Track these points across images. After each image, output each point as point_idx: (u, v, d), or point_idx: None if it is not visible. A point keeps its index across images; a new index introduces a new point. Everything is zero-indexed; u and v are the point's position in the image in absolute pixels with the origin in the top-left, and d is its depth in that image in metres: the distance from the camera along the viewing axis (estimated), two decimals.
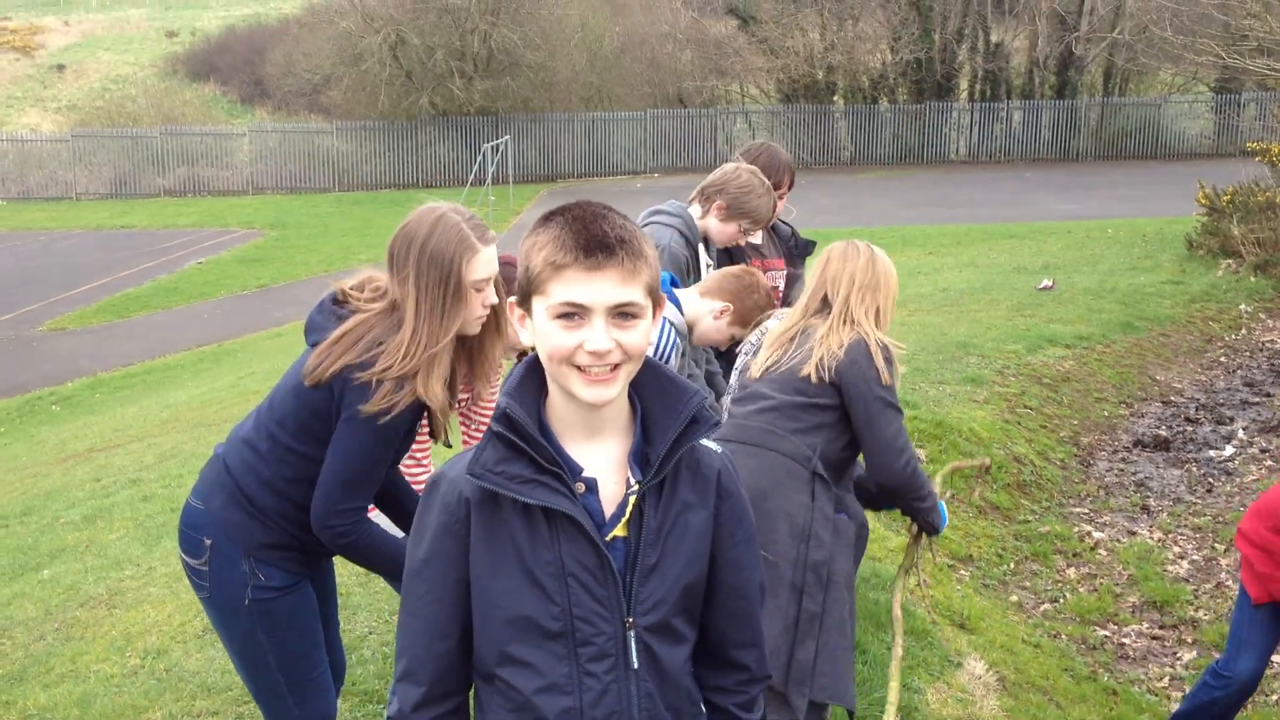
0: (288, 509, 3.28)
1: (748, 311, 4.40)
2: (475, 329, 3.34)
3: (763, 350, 4.03)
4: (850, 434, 3.88)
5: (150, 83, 55.54)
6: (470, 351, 3.46)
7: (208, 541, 3.29)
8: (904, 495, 3.97)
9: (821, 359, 3.82)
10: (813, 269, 4.13)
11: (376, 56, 39.82)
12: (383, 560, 3.29)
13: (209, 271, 25.38)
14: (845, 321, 3.90)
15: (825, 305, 3.99)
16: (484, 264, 3.25)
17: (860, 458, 4.00)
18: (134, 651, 5.49)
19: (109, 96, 53.82)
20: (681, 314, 4.32)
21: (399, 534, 3.44)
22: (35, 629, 6.06)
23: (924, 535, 4.36)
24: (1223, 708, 4.86)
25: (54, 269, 26.03)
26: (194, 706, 4.83)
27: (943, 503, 4.23)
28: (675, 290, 4.38)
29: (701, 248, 4.98)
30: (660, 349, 4.12)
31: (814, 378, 3.82)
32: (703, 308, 4.41)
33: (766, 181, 4.85)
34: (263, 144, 42.20)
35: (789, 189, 5.13)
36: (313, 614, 3.44)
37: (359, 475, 3.18)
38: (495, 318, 3.41)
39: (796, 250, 5.60)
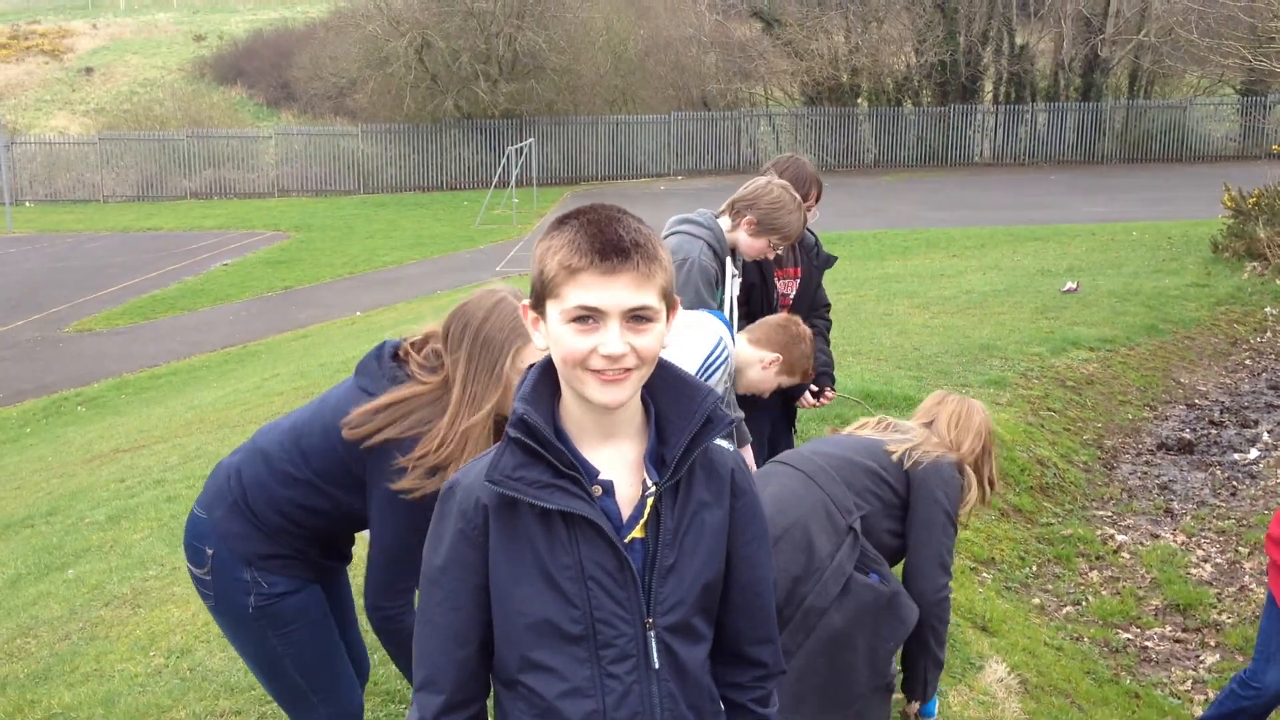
0: (291, 529, 3.30)
1: (795, 361, 4.49)
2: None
3: (859, 427, 4.14)
4: (903, 525, 3.90)
5: (177, 86, 55.84)
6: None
7: (209, 551, 3.31)
8: (926, 619, 3.86)
9: (914, 448, 3.89)
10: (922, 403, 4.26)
11: (402, 60, 39.98)
12: (407, 656, 3.23)
13: (234, 273, 25.49)
14: (946, 444, 3.97)
15: (927, 426, 4.10)
16: (536, 355, 3.18)
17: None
18: (158, 651, 5.52)
19: (136, 100, 54.13)
20: (733, 335, 4.33)
21: None
22: (60, 628, 6.10)
23: (911, 713, 4.21)
24: (1250, 717, 4.83)
25: (81, 271, 26.18)
26: (217, 706, 4.86)
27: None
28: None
29: (729, 259, 4.97)
30: (709, 361, 4.12)
31: (896, 458, 3.88)
32: (752, 356, 4.47)
33: (797, 196, 4.83)
34: (288, 147, 42.40)
35: (816, 201, 5.12)
36: (323, 612, 3.43)
37: (405, 551, 3.15)
38: None
39: (818, 263, 5.59)
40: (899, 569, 4.05)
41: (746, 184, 4.85)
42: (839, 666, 3.71)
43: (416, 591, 3.19)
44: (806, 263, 5.47)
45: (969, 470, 3.97)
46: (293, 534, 3.29)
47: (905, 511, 3.87)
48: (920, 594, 3.80)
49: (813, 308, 5.60)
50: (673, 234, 4.69)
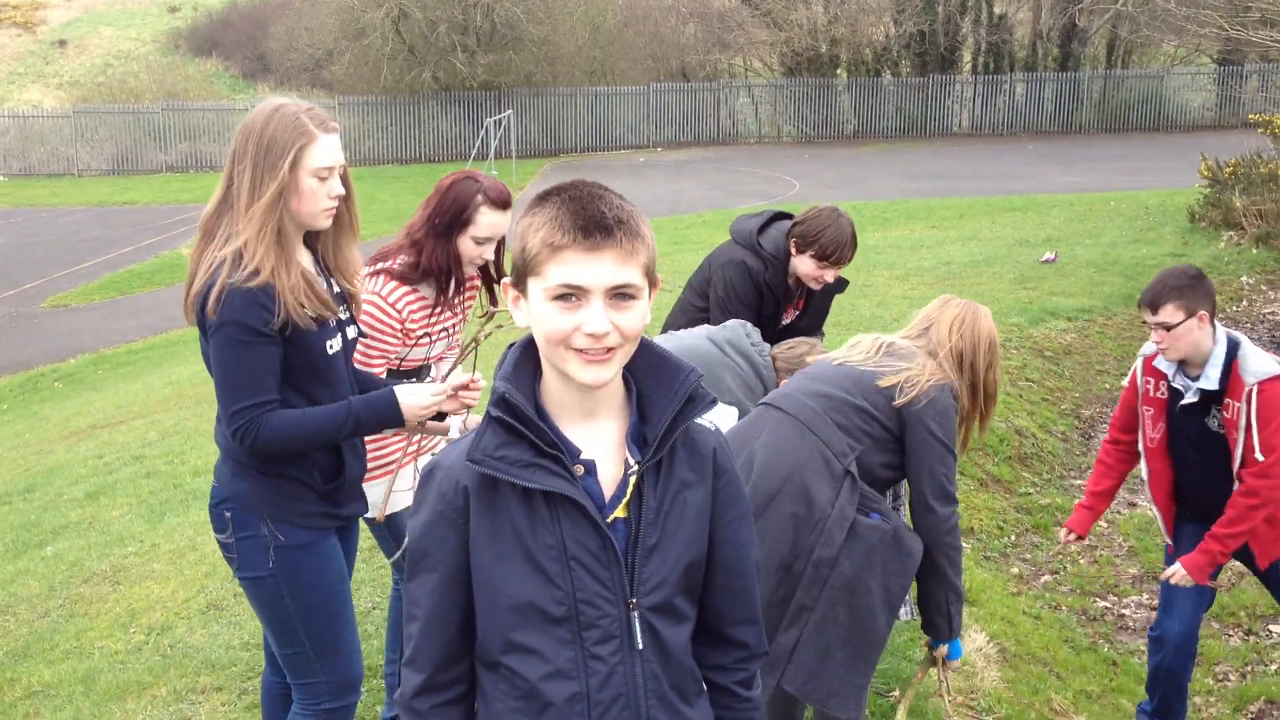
0: (283, 466, 3.32)
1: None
2: (323, 221, 3.33)
3: (851, 348, 4.03)
4: (897, 457, 3.84)
5: (152, 58, 55.37)
6: (324, 249, 3.46)
7: (228, 514, 3.35)
8: (937, 552, 3.79)
9: (907, 380, 3.80)
10: (925, 307, 4.18)
11: (379, 31, 39.68)
12: (308, 437, 3.27)
13: None
14: (942, 363, 3.89)
15: (924, 335, 4.00)
16: (323, 151, 3.25)
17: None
18: (138, 628, 5.52)
19: (111, 72, 53.66)
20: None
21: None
22: (39, 606, 6.09)
23: (939, 658, 4.12)
24: (1171, 671, 4.87)
25: (56, 245, 26.00)
26: (198, 682, 4.86)
27: (958, 640, 4.09)
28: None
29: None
30: None
31: (887, 392, 3.79)
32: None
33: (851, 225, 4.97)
34: None
35: (849, 262, 5.11)
36: (338, 576, 3.47)
37: (235, 375, 3.19)
38: (347, 211, 3.41)
39: (831, 288, 5.57)
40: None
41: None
42: (859, 613, 3.70)
43: (267, 406, 3.21)
44: (809, 293, 5.41)
45: (964, 387, 3.89)
46: (288, 460, 3.31)
47: (899, 444, 3.80)
48: (929, 527, 3.75)
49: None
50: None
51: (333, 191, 3.30)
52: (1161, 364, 4.68)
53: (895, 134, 41.38)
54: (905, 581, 3.79)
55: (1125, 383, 4.97)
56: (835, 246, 4.86)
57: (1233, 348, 4.52)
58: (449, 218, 4.00)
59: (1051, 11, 41.59)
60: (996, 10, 42.42)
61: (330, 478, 3.41)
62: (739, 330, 4.63)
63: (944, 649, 4.05)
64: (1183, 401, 4.60)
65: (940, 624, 3.95)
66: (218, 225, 3.28)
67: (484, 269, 4.25)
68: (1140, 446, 4.89)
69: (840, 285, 5.28)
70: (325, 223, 3.34)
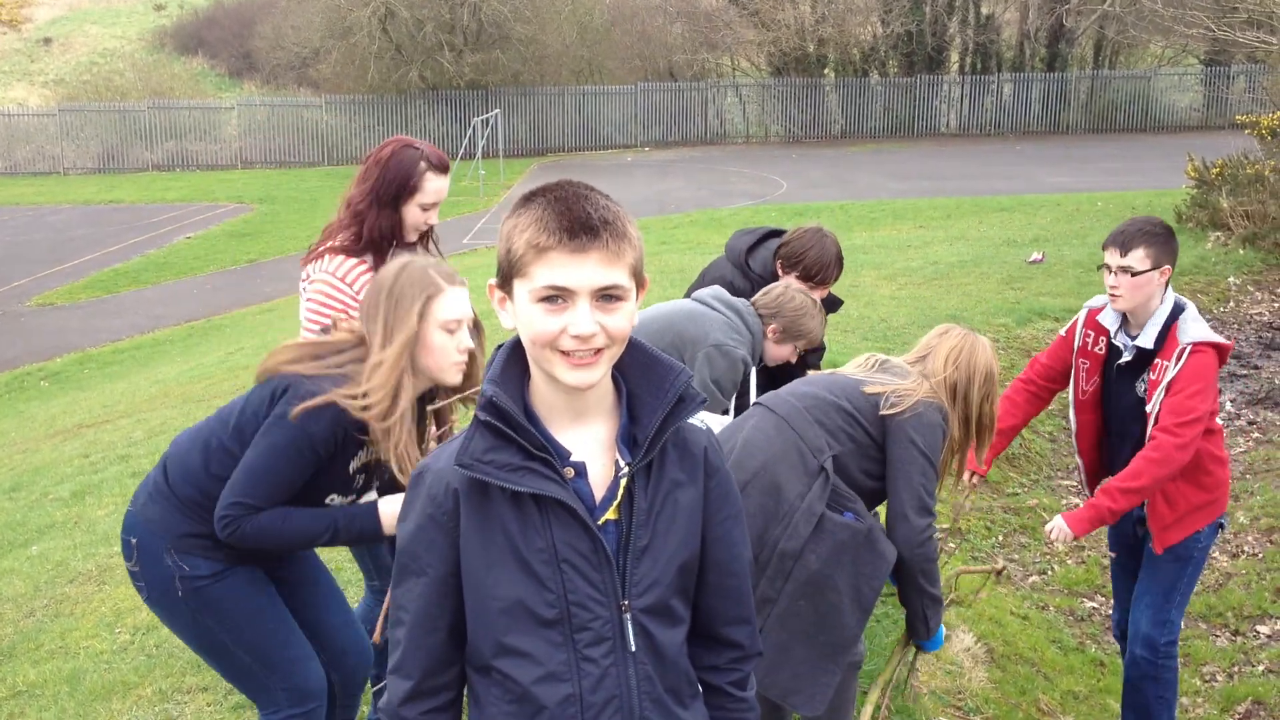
0: (206, 502, 3.28)
1: (790, 328, 4.76)
2: (453, 377, 3.31)
3: (849, 365, 4.05)
4: (879, 466, 3.81)
5: (138, 56, 55.20)
6: (437, 409, 3.47)
7: (134, 541, 3.32)
8: (912, 564, 3.78)
9: (894, 391, 3.79)
10: (925, 336, 4.13)
11: (365, 30, 39.61)
12: (284, 542, 3.25)
13: (198, 246, 25.28)
14: (935, 390, 3.86)
15: (920, 362, 3.98)
16: (451, 304, 3.25)
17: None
18: (124, 628, 5.49)
19: (96, 70, 53.48)
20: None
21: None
22: (24, 605, 6.05)
23: (912, 645, 4.17)
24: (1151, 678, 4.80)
25: (42, 244, 25.90)
26: (184, 683, 4.84)
27: (943, 626, 4.10)
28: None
29: None
30: None
31: (872, 399, 3.78)
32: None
33: (818, 301, 4.88)
34: (251, 118, 42.01)
35: (835, 281, 5.10)
36: (256, 593, 3.41)
37: (264, 472, 3.16)
38: (472, 366, 3.39)
39: (827, 306, 5.56)
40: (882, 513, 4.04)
41: (767, 290, 4.89)
42: (822, 609, 3.69)
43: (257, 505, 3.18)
44: None
45: (956, 417, 3.87)
46: (207, 508, 3.27)
47: (881, 453, 3.78)
48: (903, 540, 3.72)
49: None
50: (718, 346, 4.64)
51: (462, 345, 3.28)
52: (1105, 319, 4.60)
53: (883, 134, 41.45)
54: (877, 583, 3.77)
55: (1063, 331, 4.86)
56: (820, 266, 4.85)
57: (1177, 311, 4.45)
58: (394, 188, 4.00)
59: (1039, 12, 41.70)
60: (984, 10, 42.52)
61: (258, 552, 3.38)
62: (719, 289, 4.71)
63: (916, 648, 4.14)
64: (1119, 360, 4.54)
65: (918, 627, 3.99)
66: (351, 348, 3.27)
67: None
68: (1070, 397, 4.81)
69: (834, 305, 5.28)
70: (455, 378, 3.32)
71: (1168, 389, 4.35)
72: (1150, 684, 4.73)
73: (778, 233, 5.19)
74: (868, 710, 4.06)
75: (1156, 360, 4.44)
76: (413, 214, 4.05)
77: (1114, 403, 4.64)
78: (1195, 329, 4.39)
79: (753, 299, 4.83)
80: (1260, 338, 12.35)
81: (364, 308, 3.28)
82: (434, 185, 4.05)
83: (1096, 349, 4.67)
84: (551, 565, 2.01)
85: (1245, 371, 11.17)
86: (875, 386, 3.80)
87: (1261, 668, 5.95)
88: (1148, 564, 4.71)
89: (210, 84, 53.43)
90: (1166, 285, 4.47)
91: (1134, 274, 4.38)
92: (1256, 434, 9.36)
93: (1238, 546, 7.26)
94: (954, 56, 43.55)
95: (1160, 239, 4.38)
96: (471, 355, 3.35)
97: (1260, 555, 7.09)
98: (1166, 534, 4.56)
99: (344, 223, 4.08)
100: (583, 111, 42.33)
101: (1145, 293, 4.41)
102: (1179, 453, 4.32)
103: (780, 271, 4.94)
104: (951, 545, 6.98)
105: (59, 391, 14.33)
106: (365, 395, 3.13)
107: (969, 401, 3.89)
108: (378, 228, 4.01)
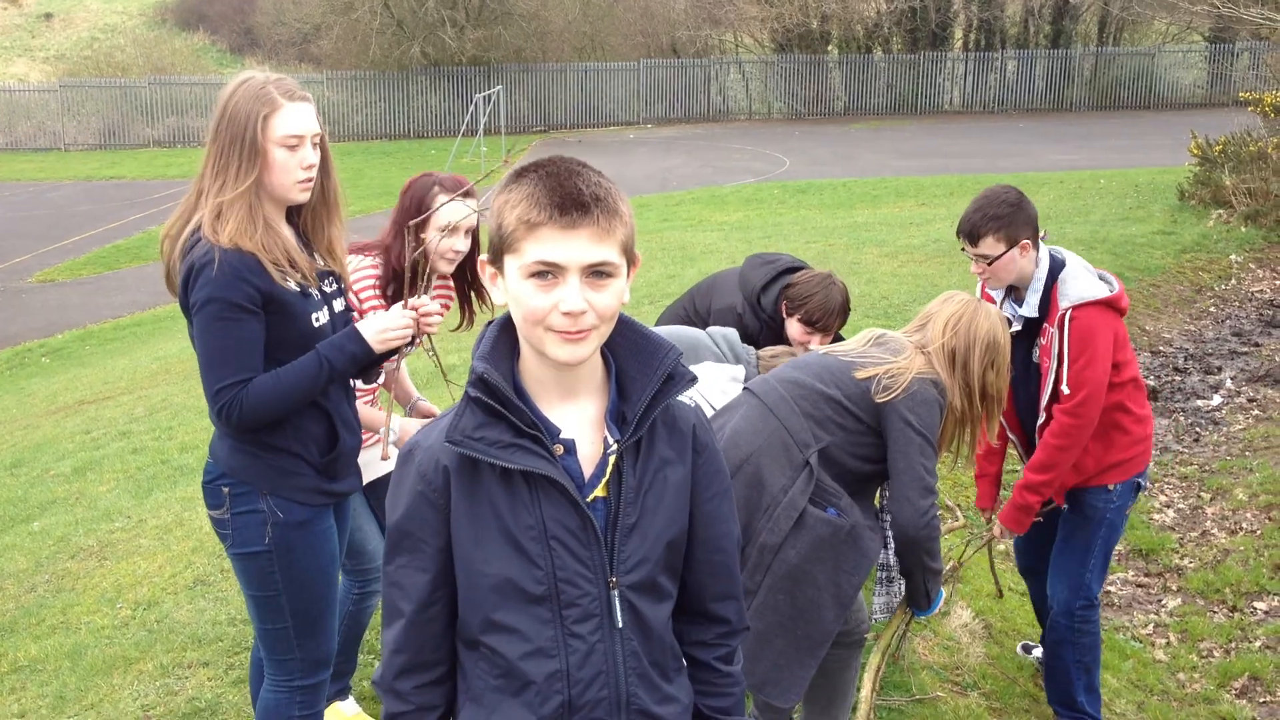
0: (277, 429, 3.29)
1: (812, 310, 4.73)
2: (299, 195, 3.30)
3: (848, 342, 3.99)
4: (873, 450, 3.77)
5: (139, 32, 55.03)
6: (305, 224, 3.43)
7: (225, 489, 3.33)
8: (915, 544, 3.76)
9: (886, 372, 3.72)
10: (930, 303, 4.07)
11: (367, 5, 39.49)
12: (288, 396, 3.24)
13: None
14: (933, 360, 3.80)
15: (920, 331, 3.92)
16: (288, 120, 3.21)
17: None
18: (125, 603, 5.52)
19: (97, 46, 53.33)
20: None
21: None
22: (26, 581, 6.08)
23: (910, 612, 4.18)
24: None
25: (43, 220, 25.89)
26: (185, 658, 4.86)
27: (943, 589, 4.09)
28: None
29: None
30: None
31: (866, 386, 3.72)
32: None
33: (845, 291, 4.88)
34: None
35: (837, 329, 5.06)
36: (331, 558, 3.47)
37: (220, 351, 3.17)
38: (327, 186, 3.38)
39: None
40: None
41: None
42: (801, 603, 3.69)
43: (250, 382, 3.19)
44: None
45: (957, 388, 3.80)
46: (284, 434, 3.30)
47: (875, 436, 3.74)
48: (907, 521, 3.70)
49: None
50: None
51: (305, 161, 3.26)
52: (992, 290, 4.54)
53: (886, 111, 41.33)
54: (857, 579, 3.77)
55: None
56: (822, 313, 4.82)
57: (1055, 271, 4.34)
58: (412, 215, 3.97)
59: None
60: None
61: (325, 450, 3.39)
62: (734, 333, 4.68)
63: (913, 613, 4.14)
64: (1011, 331, 4.40)
65: (919, 600, 4.01)
66: (195, 203, 3.26)
67: (462, 284, 4.27)
68: None
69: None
70: (301, 196, 3.31)
71: (1058, 359, 4.28)
72: (1068, 648, 4.70)
73: (795, 269, 5.11)
74: (869, 677, 4.09)
75: (1044, 326, 4.35)
76: (434, 240, 3.97)
77: (1017, 372, 4.47)
78: (1074, 288, 4.27)
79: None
80: (1261, 315, 12.35)
81: (209, 129, 3.26)
82: (448, 209, 3.98)
83: None
84: (540, 542, 2.02)
85: (1246, 349, 11.17)
86: (867, 370, 3.75)
87: (1259, 644, 5.97)
88: (1063, 527, 4.67)
89: (211, 60, 53.28)
90: (1036, 248, 4.36)
91: (990, 261, 4.31)
92: (1256, 411, 9.36)
93: (1236, 523, 7.27)
94: (958, 33, 43.41)
95: (1006, 219, 4.27)
96: (323, 182, 3.37)
97: (1258, 532, 7.10)
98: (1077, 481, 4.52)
99: (373, 249, 4.07)
100: (585, 88, 42.20)
101: (1011, 271, 4.34)
102: (1081, 432, 4.30)
103: (784, 312, 4.92)
104: (951, 522, 6.99)
105: (60, 368, 14.34)
106: (221, 233, 3.14)
107: (969, 370, 3.82)
108: (401, 258, 3.97)
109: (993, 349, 3.86)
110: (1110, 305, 4.30)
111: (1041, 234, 4.49)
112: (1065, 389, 4.27)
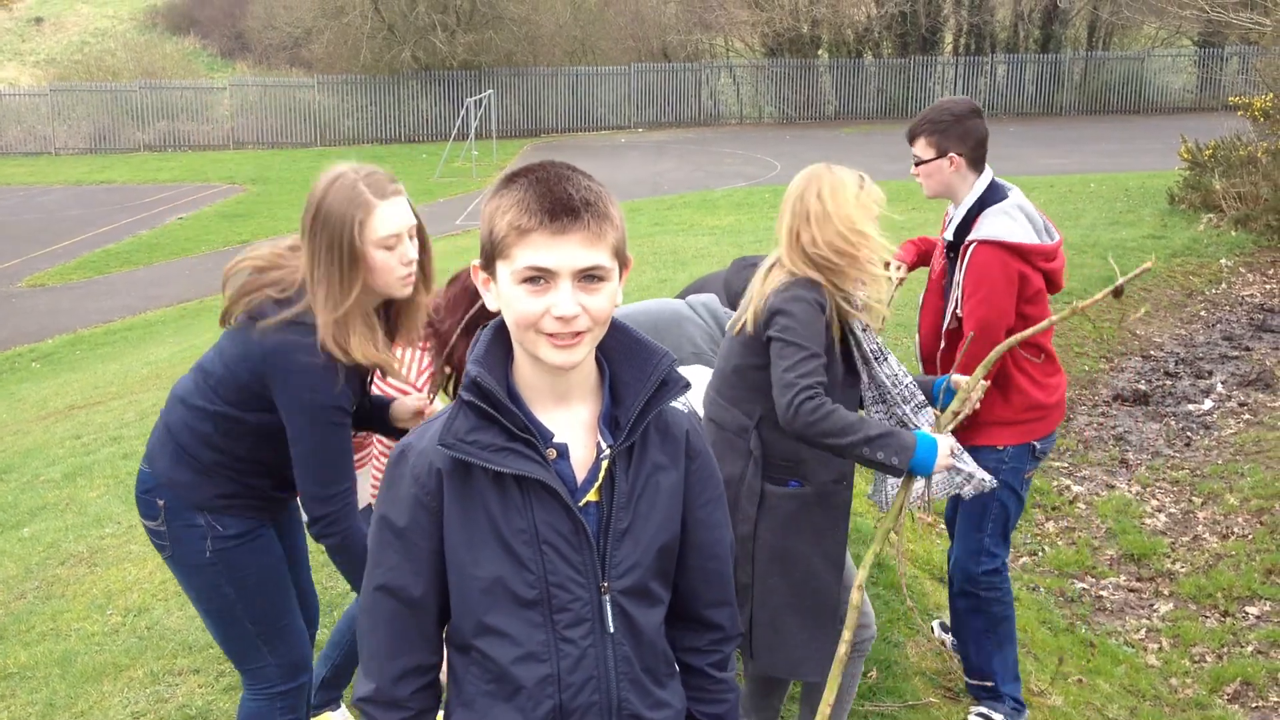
0: (231, 463, 3.26)
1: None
2: (402, 290, 3.20)
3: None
4: None
5: (129, 36, 54.97)
6: (397, 314, 3.34)
7: (160, 502, 3.28)
8: (804, 438, 3.41)
9: (754, 311, 3.55)
10: None
11: (358, 9, 39.52)
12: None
13: (190, 227, 25.21)
14: (781, 264, 3.59)
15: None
16: (385, 220, 3.10)
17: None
18: (115, 609, 5.50)
19: (88, 50, 53.26)
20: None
21: None
22: (15, 587, 6.05)
23: (908, 476, 3.64)
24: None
25: (33, 225, 25.83)
26: (175, 664, 4.84)
27: (942, 435, 3.52)
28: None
29: None
30: None
31: (750, 329, 3.55)
32: None
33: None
34: (243, 98, 41.88)
35: None
36: (278, 561, 3.42)
37: (328, 453, 3.14)
38: (424, 275, 3.27)
39: None
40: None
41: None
42: (795, 579, 3.66)
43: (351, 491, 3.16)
44: None
45: (824, 270, 3.52)
46: (234, 468, 3.26)
47: None
48: (784, 425, 3.42)
49: None
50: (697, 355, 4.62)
51: (405, 258, 3.15)
52: (927, 196, 4.43)
53: (877, 115, 41.41)
54: (840, 534, 3.71)
55: None
56: None
57: (987, 201, 4.22)
58: (468, 307, 3.56)
59: None
60: None
61: (285, 489, 3.36)
62: (714, 298, 4.65)
63: (916, 477, 3.52)
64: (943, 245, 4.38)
65: (886, 470, 3.45)
66: (296, 282, 3.17)
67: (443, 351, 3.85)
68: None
69: None
70: (404, 291, 3.20)
71: (956, 286, 4.20)
72: (974, 617, 4.57)
73: None
74: (865, 563, 3.89)
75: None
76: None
77: (946, 292, 4.42)
78: (989, 224, 4.15)
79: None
80: (1251, 319, 12.37)
81: (302, 228, 3.15)
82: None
83: (944, 233, 4.51)
84: (532, 546, 2.02)
85: (1236, 353, 11.19)
86: (737, 323, 3.61)
87: (1251, 648, 5.97)
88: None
89: (202, 64, 53.26)
90: (974, 171, 4.27)
91: (919, 163, 4.26)
92: (1247, 415, 9.38)
93: (1227, 528, 7.28)
94: (948, 37, 43.51)
95: (946, 125, 4.19)
96: (421, 264, 3.21)
97: (1250, 536, 7.11)
98: (965, 434, 4.23)
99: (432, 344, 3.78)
100: (576, 92, 42.24)
101: (939, 181, 4.27)
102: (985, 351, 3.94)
103: None
104: (943, 527, 6.99)
105: (50, 373, 14.30)
106: (331, 339, 3.07)
107: (816, 243, 3.51)
108: (464, 359, 3.75)
109: (829, 194, 3.58)
110: (1016, 251, 4.13)
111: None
112: (958, 313, 4.18)
